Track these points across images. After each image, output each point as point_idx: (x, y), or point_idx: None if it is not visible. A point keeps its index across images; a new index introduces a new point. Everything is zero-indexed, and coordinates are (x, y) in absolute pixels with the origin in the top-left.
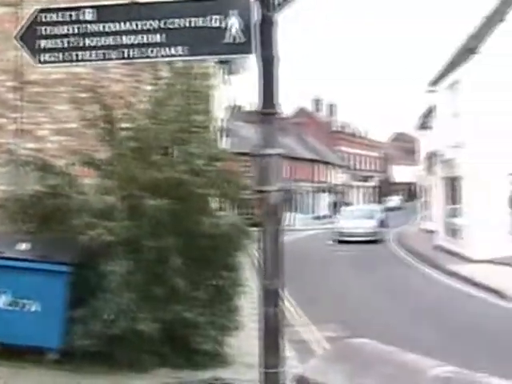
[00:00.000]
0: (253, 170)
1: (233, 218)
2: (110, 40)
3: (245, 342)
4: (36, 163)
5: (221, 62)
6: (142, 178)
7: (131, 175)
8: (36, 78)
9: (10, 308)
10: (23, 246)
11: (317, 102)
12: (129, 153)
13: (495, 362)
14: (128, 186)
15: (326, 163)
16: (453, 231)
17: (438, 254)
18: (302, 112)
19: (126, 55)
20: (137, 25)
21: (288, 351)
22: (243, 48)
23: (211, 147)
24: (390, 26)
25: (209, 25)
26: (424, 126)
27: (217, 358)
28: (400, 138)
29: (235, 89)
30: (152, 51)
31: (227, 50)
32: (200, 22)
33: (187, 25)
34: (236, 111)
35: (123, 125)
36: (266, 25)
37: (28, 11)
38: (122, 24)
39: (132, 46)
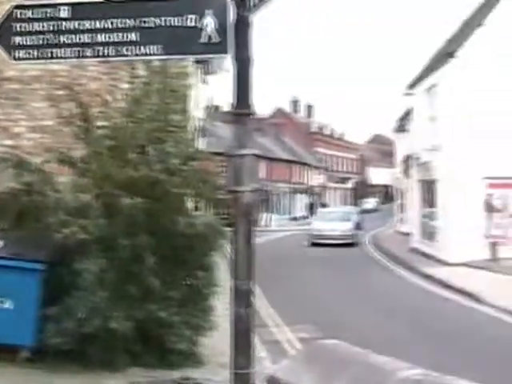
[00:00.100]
0: (227, 170)
1: (208, 218)
2: (85, 38)
3: (219, 341)
4: (11, 160)
5: (197, 61)
6: (118, 176)
7: (107, 173)
8: (12, 74)
9: None
10: None
11: (295, 103)
12: (105, 151)
13: (467, 365)
14: (103, 184)
15: (303, 164)
16: (429, 234)
17: (414, 256)
18: (279, 112)
19: (101, 53)
20: (112, 23)
21: (260, 352)
22: (218, 48)
23: (188, 146)
24: (370, 27)
25: (184, 24)
26: (401, 128)
27: (191, 358)
28: (377, 140)
29: (213, 89)
30: (127, 50)
31: (203, 49)
32: (175, 21)
33: (163, 24)
34: (213, 111)
35: (99, 123)
36: (242, 25)
37: (3, 7)
38: (98, 22)
39: (107, 44)
